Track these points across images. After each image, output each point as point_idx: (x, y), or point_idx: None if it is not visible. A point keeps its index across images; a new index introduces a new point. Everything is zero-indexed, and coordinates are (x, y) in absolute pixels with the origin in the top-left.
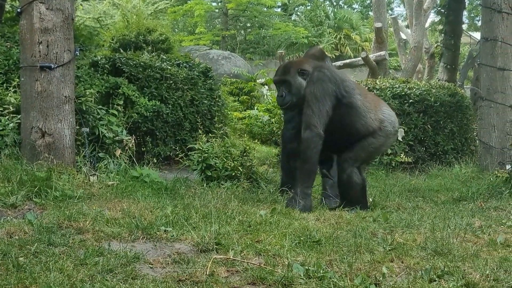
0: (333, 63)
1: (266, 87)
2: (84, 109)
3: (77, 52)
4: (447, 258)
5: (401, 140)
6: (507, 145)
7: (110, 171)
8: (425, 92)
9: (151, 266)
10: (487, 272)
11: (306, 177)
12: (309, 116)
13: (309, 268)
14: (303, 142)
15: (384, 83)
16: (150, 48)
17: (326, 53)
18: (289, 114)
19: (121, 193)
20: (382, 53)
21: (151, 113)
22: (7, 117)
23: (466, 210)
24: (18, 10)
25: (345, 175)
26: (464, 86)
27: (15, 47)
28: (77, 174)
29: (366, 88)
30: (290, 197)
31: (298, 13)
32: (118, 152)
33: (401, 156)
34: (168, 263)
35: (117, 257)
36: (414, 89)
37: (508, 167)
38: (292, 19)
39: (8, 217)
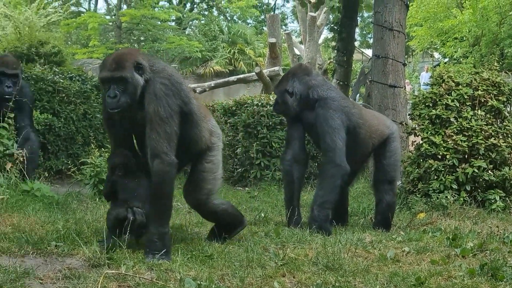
0: (227, 78)
1: None
2: None
3: None
4: (338, 273)
5: None
6: None
7: (0, 185)
8: None
9: (41, 281)
10: (377, 287)
11: (163, 214)
12: (156, 141)
13: (201, 282)
14: (153, 174)
15: None
16: (42, 60)
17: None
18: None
19: (11, 207)
20: (276, 68)
21: (43, 127)
22: None
23: (358, 225)
24: None
25: (210, 212)
26: (356, 103)
27: None
28: None
29: (259, 104)
30: (148, 239)
31: (192, 27)
32: (8, 165)
33: None
34: (59, 279)
35: (6, 272)
36: None
37: (398, 182)
38: (186, 33)
39: None
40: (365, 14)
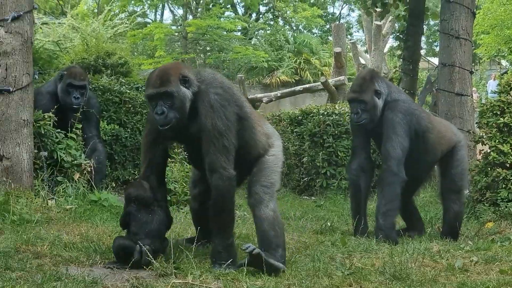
0: (293, 88)
1: None
2: (43, 132)
3: (36, 76)
4: (405, 283)
5: None
6: None
7: (69, 195)
8: None
9: None
10: None
11: (225, 227)
12: (214, 156)
13: None
14: (213, 189)
15: (343, 108)
16: (109, 71)
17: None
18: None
19: (79, 217)
20: (342, 77)
21: (109, 137)
22: None
23: (424, 235)
24: None
25: (270, 211)
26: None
27: None
28: (35, 198)
29: (325, 113)
30: (213, 250)
31: (258, 37)
32: (76, 176)
33: None
34: None
35: (75, 282)
36: None
37: (466, 191)
38: (252, 43)
39: None
40: (431, 22)
